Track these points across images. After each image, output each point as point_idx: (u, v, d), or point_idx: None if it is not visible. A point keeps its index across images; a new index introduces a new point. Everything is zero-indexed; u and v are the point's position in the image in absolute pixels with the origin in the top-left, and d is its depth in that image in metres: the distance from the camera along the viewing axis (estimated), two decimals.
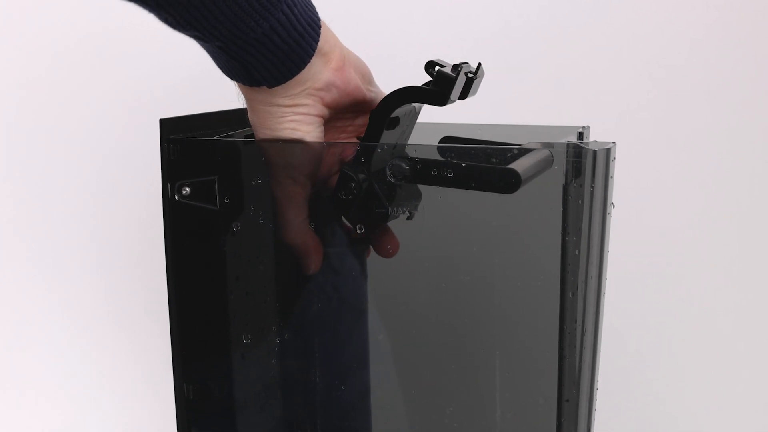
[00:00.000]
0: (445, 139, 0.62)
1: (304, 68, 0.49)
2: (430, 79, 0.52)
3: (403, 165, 0.51)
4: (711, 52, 0.87)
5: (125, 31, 0.89)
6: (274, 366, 0.61)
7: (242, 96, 0.53)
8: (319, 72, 0.50)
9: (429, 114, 0.59)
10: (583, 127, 0.65)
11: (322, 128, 0.53)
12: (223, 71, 0.51)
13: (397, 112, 0.53)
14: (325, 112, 0.52)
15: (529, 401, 0.56)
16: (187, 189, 0.56)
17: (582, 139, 0.64)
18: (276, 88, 0.50)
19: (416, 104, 0.56)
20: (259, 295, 0.59)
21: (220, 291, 0.59)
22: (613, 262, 0.56)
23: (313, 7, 0.50)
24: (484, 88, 0.90)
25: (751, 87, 0.88)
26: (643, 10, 0.87)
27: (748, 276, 0.91)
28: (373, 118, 0.53)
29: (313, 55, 0.49)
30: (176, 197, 0.56)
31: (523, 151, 0.49)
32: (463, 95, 0.53)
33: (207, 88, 0.86)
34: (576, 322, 0.51)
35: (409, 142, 0.58)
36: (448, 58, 0.82)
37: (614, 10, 0.87)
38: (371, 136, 0.53)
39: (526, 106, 0.89)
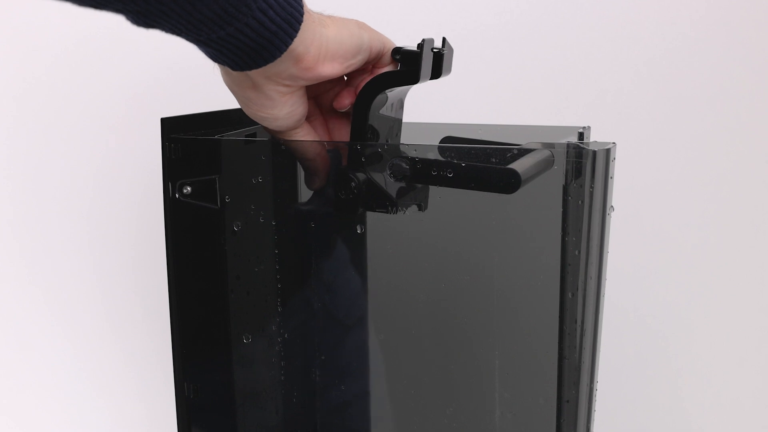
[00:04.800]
0: (446, 139, 0.62)
1: (270, 63, 0.48)
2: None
3: (403, 165, 0.51)
4: (711, 52, 0.87)
5: (126, 30, 0.89)
6: (274, 365, 0.61)
7: None
8: (285, 68, 0.49)
9: (430, 114, 0.60)
10: (584, 128, 0.65)
11: (285, 104, 0.52)
12: None
13: (374, 119, 0.54)
14: (290, 91, 0.51)
15: (529, 401, 0.56)
16: (188, 188, 0.56)
17: (582, 140, 0.64)
18: (237, 72, 0.49)
19: (396, 95, 0.56)
20: (260, 295, 0.60)
21: (220, 290, 0.59)
22: (612, 263, 0.56)
23: (298, 2, 0.47)
24: (484, 88, 0.90)
25: (752, 87, 0.88)
26: (644, 10, 0.87)
27: (748, 276, 0.91)
28: (354, 114, 0.53)
29: (281, 55, 0.47)
30: (177, 196, 0.56)
31: (524, 152, 0.49)
32: (436, 73, 0.53)
33: (208, 87, 0.86)
34: (576, 322, 0.51)
35: (410, 142, 0.59)
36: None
37: (615, 9, 0.87)
38: (357, 132, 0.53)
39: (526, 106, 0.89)
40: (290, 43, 0.47)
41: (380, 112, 0.55)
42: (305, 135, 0.55)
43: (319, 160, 0.56)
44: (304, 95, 0.53)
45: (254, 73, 0.49)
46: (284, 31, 0.46)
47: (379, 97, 0.53)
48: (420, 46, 0.51)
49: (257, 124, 0.54)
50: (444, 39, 0.54)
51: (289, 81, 0.50)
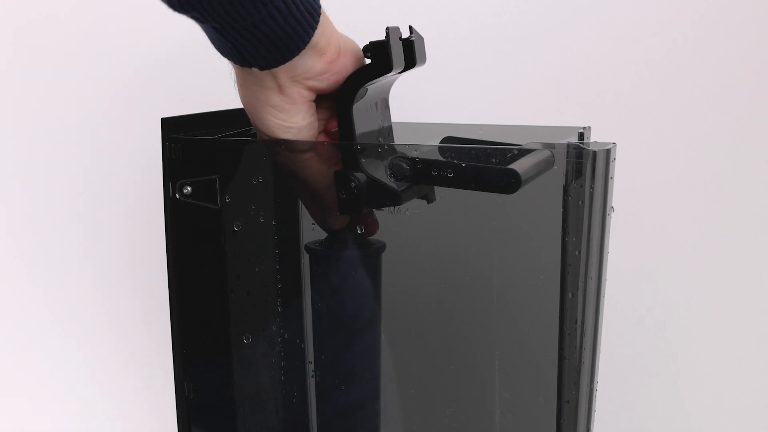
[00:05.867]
0: (446, 139, 0.62)
1: (296, 55, 0.49)
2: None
3: (403, 165, 0.51)
4: (711, 52, 0.87)
5: (127, 29, 0.89)
6: (275, 365, 0.61)
7: (234, 72, 0.53)
8: (311, 64, 0.51)
9: (430, 114, 0.60)
10: (584, 128, 0.65)
11: (307, 112, 0.53)
12: (215, 47, 0.51)
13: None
14: (312, 97, 0.53)
15: (529, 401, 0.56)
16: (188, 188, 0.56)
17: (582, 140, 0.64)
18: (265, 71, 0.50)
19: (377, 92, 0.56)
20: (260, 295, 0.60)
21: (220, 290, 0.59)
22: (613, 263, 0.56)
23: None
24: (484, 88, 0.90)
25: (752, 87, 0.88)
26: (644, 10, 0.87)
27: (748, 276, 0.91)
28: (338, 115, 0.53)
29: (306, 46, 0.49)
30: (177, 196, 0.56)
31: (524, 152, 0.49)
32: (410, 61, 0.54)
33: (209, 87, 0.87)
34: (576, 322, 0.51)
35: (410, 142, 0.59)
36: (448, 57, 0.82)
37: (615, 9, 0.87)
38: (344, 131, 0.53)
39: (526, 106, 0.89)
40: (312, 34, 0.49)
41: (365, 113, 0.54)
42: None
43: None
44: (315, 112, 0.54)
45: (281, 74, 0.50)
46: (306, 21, 0.49)
47: (360, 93, 0.53)
48: (387, 35, 0.52)
49: None
50: (410, 27, 0.54)
51: (314, 81, 0.51)
